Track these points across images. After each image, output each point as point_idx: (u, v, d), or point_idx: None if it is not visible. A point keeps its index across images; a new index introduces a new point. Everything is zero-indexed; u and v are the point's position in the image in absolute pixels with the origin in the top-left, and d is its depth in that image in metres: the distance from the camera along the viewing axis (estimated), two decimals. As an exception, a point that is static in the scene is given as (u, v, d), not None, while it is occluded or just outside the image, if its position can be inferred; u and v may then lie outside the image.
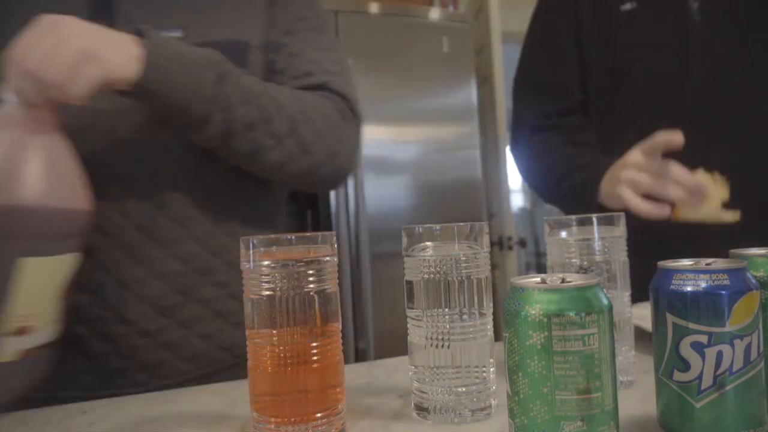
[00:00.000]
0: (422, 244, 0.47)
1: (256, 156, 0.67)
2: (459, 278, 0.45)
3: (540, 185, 1.03)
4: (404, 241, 0.48)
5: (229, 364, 0.70)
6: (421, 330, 0.47)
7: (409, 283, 0.48)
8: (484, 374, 0.47)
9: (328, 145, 0.71)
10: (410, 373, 0.48)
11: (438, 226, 0.46)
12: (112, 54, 0.55)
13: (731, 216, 0.72)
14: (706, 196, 0.72)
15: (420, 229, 0.47)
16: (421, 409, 0.47)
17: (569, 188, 0.92)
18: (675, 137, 0.73)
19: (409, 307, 0.48)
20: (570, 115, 1.00)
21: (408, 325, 0.49)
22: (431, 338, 0.46)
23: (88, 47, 0.54)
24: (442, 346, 0.46)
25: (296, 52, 0.75)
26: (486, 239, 0.47)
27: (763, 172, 0.90)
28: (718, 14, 0.91)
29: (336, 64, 0.78)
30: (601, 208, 0.85)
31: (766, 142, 0.90)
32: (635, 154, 0.78)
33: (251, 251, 0.42)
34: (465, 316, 0.46)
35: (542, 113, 1.01)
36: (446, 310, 0.46)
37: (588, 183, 0.87)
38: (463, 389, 0.46)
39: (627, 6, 0.94)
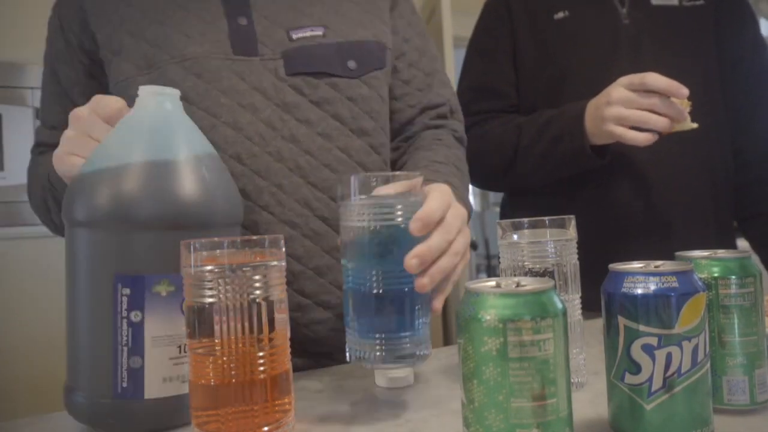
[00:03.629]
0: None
1: None
2: (393, 226, 0.46)
3: (500, 164, 0.99)
4: (338, 192, 0.49)
5: None
6: (351, 279, 0.48)
7: (343, 232, 0.49)
8: (418, 322, 0.47)
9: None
10: (345, 324, 0.49)
11: (372, 175, 0.48)
12: None
13: (694, 124, 0.84)
14: (686, 117, 0.83)
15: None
16: (356, 359, 0.48)
17: (550, 143, 0.92)
18: (667, 84, 0.80)
19: (344, 258, 0.49)
20: (501, 113, 1.03)
21: (343, 275, 0.50)
22: (360, 286, 0.47)
23: None
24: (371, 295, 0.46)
25: (414, 62, 0.79)
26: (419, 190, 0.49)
27: (686, 175, 0.94)
28: (645, 18, 0.96)
29: (443, 73, 0.83)
30: (588, 152, 0.88)
31: (687, 145, 0.93)
32: (618, 91, 0.82)
33: (192, 255, 0.40)
34: (394, 264, 0.46)
35: (473, 112, 1.02)
36: (379, 259, 0.46)
37: (571, 130, 0.89)
38: (394, 335, 0.46)
39: (560, 15, 0.98)
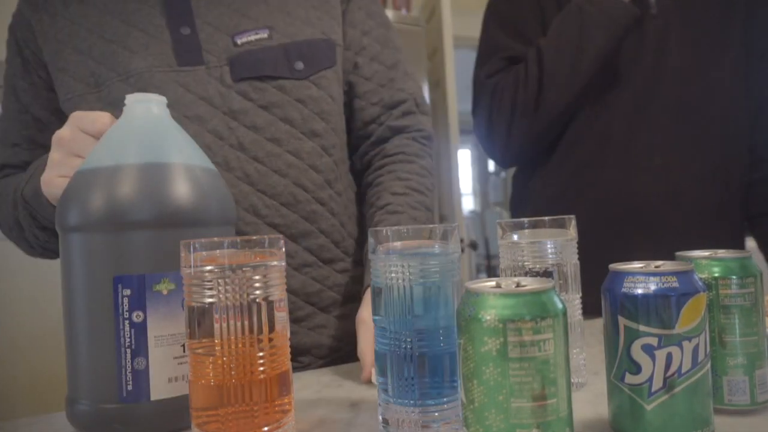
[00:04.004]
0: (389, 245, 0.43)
1: None
2: (429, 283, 0.42)
3: (549, 78, 0.93)
4: (370, 243, 0.45)
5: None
6: (386, 338, 0.43)
7: (376, 288, 0.44)
8: (455, 384, 0.43)
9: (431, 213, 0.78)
10: (377, 384, 0.45)
11: (406, 228, 0.43)
12: None
13: None
14: None
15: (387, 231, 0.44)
16: (386, 422, 0.44)
17: (576, 27, 0.89)
18: None
19: (375, 314, 0.45)
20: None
21: (375, 333, 0.45)
22: (397, 348, 0.43)
23: None
24: (410, 356, 0.42)
25: (376, 55, 0.77)
26: (456, 241, 0.44)
27: (702, 167, 0.94)
28: (674, 10, 0.95)
29: (405, 63, 0.80)
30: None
31: (707, 142, 0.93)
32: None
33: (192, 255, 0.40)
34: (434, 324, 0.42)
35: (503, 57, 1.00)
36: (414, 317, 0.42)
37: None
38: (432, 402, 0.42)
39: None
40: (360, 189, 0.81)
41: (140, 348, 0.45)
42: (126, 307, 0.45)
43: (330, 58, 0.72)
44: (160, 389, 0.45)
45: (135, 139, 0.49)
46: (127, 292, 0.45)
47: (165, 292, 0.46)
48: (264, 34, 0.68)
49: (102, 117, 0.53)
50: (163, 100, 0.52)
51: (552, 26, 0.94)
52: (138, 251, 0.46)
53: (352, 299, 0.74)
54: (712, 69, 0.88)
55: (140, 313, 0.45)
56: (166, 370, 0.46)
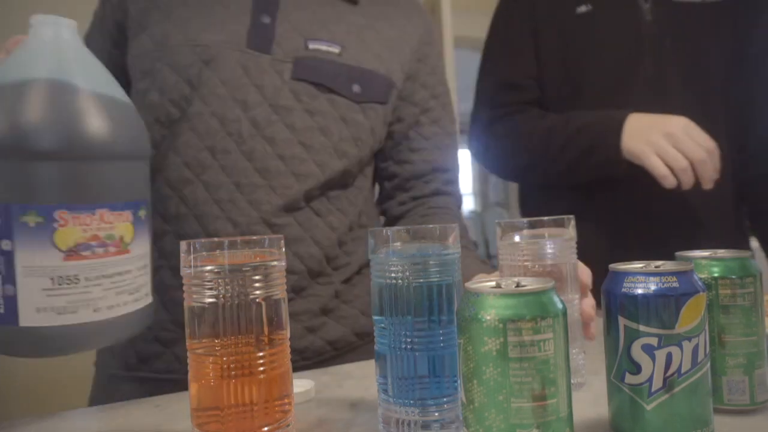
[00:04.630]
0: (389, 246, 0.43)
1: None
2: (429, 283, 0.42)
3: (527, 164, 1.00)
4: (370, 243, 0.45)
5: (357, 345, 0.75)
6: (386, 338, 0.43)
7: (376, 288, 0.44)
8: (455, 384, 0.43)
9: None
10: (377, 384, 0.45)
11: (406, 228, 0.43)
12: None
13: None
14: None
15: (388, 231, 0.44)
16: (386, 422, 0.44)
17: (582, 152, 0.91)
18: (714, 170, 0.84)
19: (376, 314, 0.45)
20: (526, 105, 1.02)
21: (375, 333, 0.45)
22: (397, 347, 0.43)
23: None
24: (410, 356, 0.42)
25: (437, 120, 0.81)
26: (456, 241, 0.44)
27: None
28: (668, 17, 0.96)
29: (456, 160, 0.85)
30: (622, 168, 0.87)
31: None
32: (680, 127, 0.83)
33: (192, 255, 0.40)
34: (434, 324, 0.42)
35: (497, 105, 1.03)
36: (414, 317, 0.42)
37: (606, 143, 0.88)
38: (432, 401, 0.42)
39: (582, 9, 0.98)
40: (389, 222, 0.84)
41: (9, 276, 0.44)
42: None
43: (385, 96, 0.74)
44: (28, 317, 0.45)
45: (41, 57, 0.46)
46: None
47: (32, 224, 0.45)
48: (335, 49, 0.71)
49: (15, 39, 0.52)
50: (73, 24, 0.49)
51: (561, 130, 0.95)
52: (6, 179, 0.44)
53: (326, 312, 0.74)
54: (708, 74, 0.89)
55: (8, 242, 0.44)
56: (35, 300, 0.45)
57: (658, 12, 0.96)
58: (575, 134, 0.92)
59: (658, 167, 0.82)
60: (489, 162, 1.07)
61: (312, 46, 0.70)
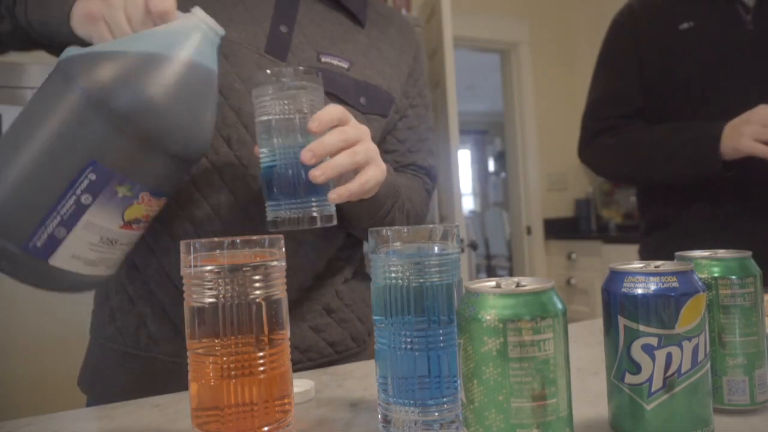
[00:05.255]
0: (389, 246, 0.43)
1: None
2: (429, 283, 0.42)
3: (630, 175, 1.15)
4: (371, 243, 0.45)
5: (356, 351, 0.78)
6: (386, 338, 0.43)
7: (376, 288, 0.44)
8: (455, 384, 0.43)
9: (420, 219, 0.86)
10: (377, 384, 0.45)
11: (406, 228, 0.44)
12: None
13: None
14: None
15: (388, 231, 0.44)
16: (386, 422, 0.44)
17: (685, 164, 1.01)
18: None
19: (376, 314, 0.45)
20: (627, 118, 1.11)
21: (375, 333, 0.45)
22: (397, 347, 0.43)
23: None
24: (410, 356, 0.42)
25: (413, 126, 0.86)
26: (456, 241, 0.44)
27: None
28: None
29: (433, 142, 0.90)
30: (723, 165, 0.96)
31: None
32: (757, 114, 0.92)
33: (192, 256, 0.40)
34: (434, 323, 0.42)
35: (600, 117, 1.14)
36: (414, 317, 0.42)
37: (708, 154, 0.97)
38: (432, 401, 0.42)
39: (684, 25, 1.05)
40: None
41: (70, 222, 0.48)
42: (83, 187, 0.48)
43: (386, 109, 0.79)
44: (60, 259, 0.49)
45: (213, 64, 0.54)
46: (93, 177, 0.48)
47: (120, 194, 0.50)
48: (345, 65, 0.75)
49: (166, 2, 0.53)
50: (221, 32, 0.55)
51: (665, 143, 1.04)
52: (122, 152, 0.49)
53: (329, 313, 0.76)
54: None
55: (90, 197, 0.48)
56: (77, 248, 0.49)
57: (760, 22, 1.00)
58: (679, 148, 1.01)
59: (756, 147, 0.90)
60: (597, 168, 1.20)
61: (324, 59, 0.74)
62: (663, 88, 1.07)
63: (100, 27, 0.53)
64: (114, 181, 0.49)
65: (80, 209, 0.48)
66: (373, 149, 0.62)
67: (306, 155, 0.54)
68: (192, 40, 0.52)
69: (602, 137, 1.14)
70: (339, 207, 0.65)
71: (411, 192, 0.80)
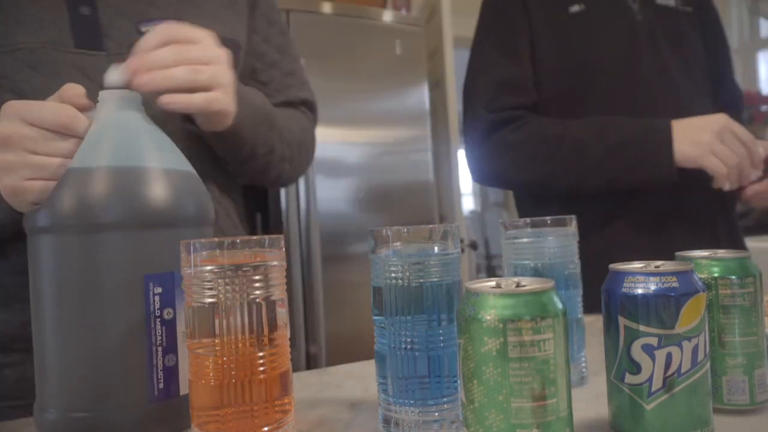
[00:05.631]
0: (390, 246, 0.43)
1: (264, 172, 0.73)
2: (429, 283, 0.42)
3: (552, 170, 0.92)
4: (371, 243, 0.44)
5: None
6: (386, 338, 0.43)
7: (375, 288, 0.44)
8: (455, 384, 0.43)
9: (306, 155, 0.81)
10: (377, 384, 0.45)
11: (406, 228, 0.43)
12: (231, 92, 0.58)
13: None
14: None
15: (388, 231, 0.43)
16: (387, 422, 0.44)
17: (629, 167, 0.88)
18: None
19: (375, 314, 0.45)
20: (527, 110, 0.97)
21: (375, 333, 0.45)
22: (397, 347, 0.43)
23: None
24: (410, 356, 0.42)
25: (274, 62, 0.78)
26: (456, 241, 0.44)
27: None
28: (653, 15, 0.99)
29: (302, 71, 0.83)
30: (675, 179, 0.85)
31: None
32: (733, 131, 0.83)
33: (192, 255, 0.40)
34: (434, 323, 0.42)
35: (501, 108, 0.96)
36: (414, 317, 0.42)
37: (658, 157, 0.85)
38: (432, 401, 0.42)
39: (575, 8, 0.98)
40: None
41: (171, 345, 0.45)
42: (158, 305, 0.45)
43: (234, 60, 0.68)
44: (185, 385, 0.45)
45: (112, 142, 0.48)
46: (159, 290, 0.45)
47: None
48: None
49: (65, 110, 0.48)
50: (138, 97, 0.50)
51: (596, 144, 0.90)
52: (165, 250, 0.45)
53: None
54: (697, 72, 0.94)
55: (171, 310, 0.45)
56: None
57: (646, 13, 0.98)
58: (617, 148, 0.88)
59: (717, 166, 0.82)
60: (492, 171, 1.00)
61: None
62: (558, 77, 0.97)
63: (23, 193, 0.47)
64: (177, 280, 0.45)
65: (170, 326, 0.45)
66: (224, 75, 0.55)
67: (125, 72, 0.48)
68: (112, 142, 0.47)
69: (502, 132, 0.95)
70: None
71: (288, 121, 0.73)
